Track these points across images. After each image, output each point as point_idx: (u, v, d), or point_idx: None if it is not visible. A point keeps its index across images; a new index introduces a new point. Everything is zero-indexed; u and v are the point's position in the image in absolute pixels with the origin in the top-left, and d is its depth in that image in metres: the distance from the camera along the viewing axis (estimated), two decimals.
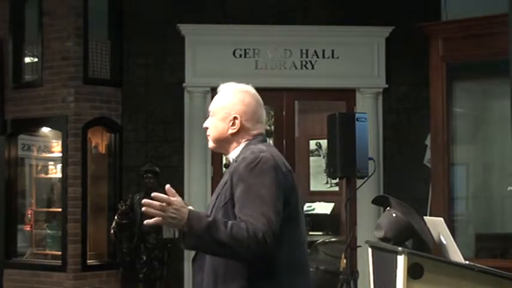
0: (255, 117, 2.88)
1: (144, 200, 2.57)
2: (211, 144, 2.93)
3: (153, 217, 2.59)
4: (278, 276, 2.70)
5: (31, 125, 8.05)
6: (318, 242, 8.62)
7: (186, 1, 7.76)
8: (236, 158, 2.82)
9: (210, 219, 2.60)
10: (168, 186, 2.62)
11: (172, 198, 2.58)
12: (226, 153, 2.92)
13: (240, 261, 2.64)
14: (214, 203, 2.79)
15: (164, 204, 2.56)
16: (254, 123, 2.87)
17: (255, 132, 2.87)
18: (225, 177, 2.80)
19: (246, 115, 2.85)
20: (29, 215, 8.17)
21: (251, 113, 2.87)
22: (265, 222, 2.58)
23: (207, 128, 2.92)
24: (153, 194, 2.57)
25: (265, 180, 2.66)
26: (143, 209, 2.59)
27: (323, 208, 10.35)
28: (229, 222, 2.59)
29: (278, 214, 2.64)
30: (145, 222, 2.63)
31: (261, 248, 2.57)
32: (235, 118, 2.84)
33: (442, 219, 3.59)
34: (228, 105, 2.86)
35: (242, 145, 2.86)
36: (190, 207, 2.64)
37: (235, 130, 2.85)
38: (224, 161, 7.88)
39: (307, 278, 2.83)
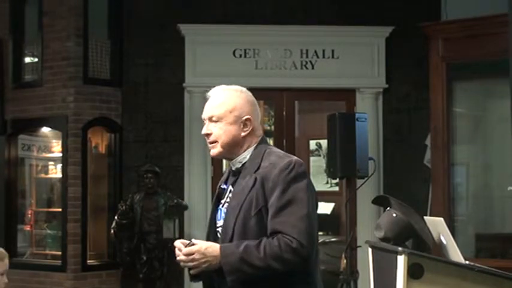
0: (258, 117, 2.86)
1: (178, 259, 2.68)
2: (218, 150, 2.80)
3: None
4: (310, 275, 2.74)
5: (31, 125, 8.04)
6: (318, 242, 8.64)
7: (186, 1, 7.76)
8: (251, 161, 2.76)
9: (242, 248, 2.61)
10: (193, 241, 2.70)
11: (188, 249, 2.64)
12: (233, 158, 2.82)
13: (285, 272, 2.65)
14: (239, 210, 2.70)
15: (190, 256, 2.64)
16: (258, 123, 2.86)
17: (259, 132, 2.85)
18: (245, 182, 2.73)
19: (253, 115, 2.82)
20: (29, 215, 8.17)
21: (256, 113, 2.84)
22: (301, 229, 2.62)
23: (207, 135, 2.82)
24: (175, 243, 2.70)
25: (300, 185, 2.67)
26: (181, 264, 2.68)
27: (323, 208, 10.34)
28: (262, 245, 2.61)
29: (314, 217, 2.69)
30: (191, 272, 2.70)
31: (299, 255, 2.61)
32: (247, 120, 2.79)
33: (442, 219, 3.59)
34: (236, 108, 2.78)
35: (251, 148, 2.81)
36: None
37: (248, 132, 2.79)
38: (225, 164, 7.90)
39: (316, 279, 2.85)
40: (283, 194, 2.64)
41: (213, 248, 2.65)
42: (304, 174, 2.70)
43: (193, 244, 2.66)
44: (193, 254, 2.64)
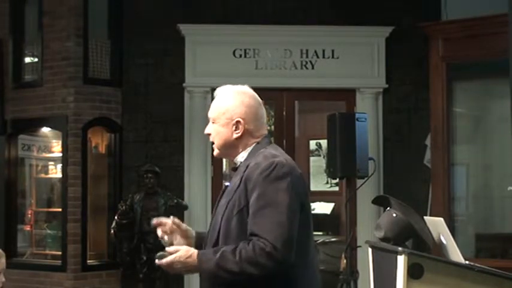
0: (257, 118, 2.83)
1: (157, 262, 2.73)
2: (216, 152, 2.87)
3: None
4: (293, 281, 2.69)
5: (31, 125, 8.04)
6: (318, 242, 8.63)
7: (186, 1, 7.76)
8: (246, 161, 2.78)
9: (218, 254, 2.62)
10: (172, 218, 2.83)
11: (170, 258, 2.67)
12: (233, 158, 2.86)
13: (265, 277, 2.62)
14: (225, 209, 2.74)
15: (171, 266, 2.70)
16: (257, 124, 2.83)
17: (259, 133, 2.84)
18: (235, 182, 2.76)
19: (248, 117, 2.80)
20: (29, 215, 8.17)
21: (253, 114, 2.82)
22: (277, 232, 2.58)
23: (208, 135, 2.88)
24: (157, 262, 2.71)
25: (280, 187, 2.64)
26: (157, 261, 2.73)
27: (323, 208, 10.36)
28: (238, 249, 2.60)
29: (293, 220, 2.63)
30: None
31: (273, 259, 2.57)
32: (238, 122, 2.79)
33: (442, 219, 3.59)
34: (228, 110, 2.80)
35: (250, 148, 2.82)
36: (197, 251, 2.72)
37: (239, 134, 2.80)
38: (225, 164, 7.90)
39: (316, 280, 2.82)
40: (262, 196, 2.63)
41: (192, 257, 2.67)
42: (285, 175, 2.66)
43: (166, 254, 2.70)
44: (173, 264, 2.68)
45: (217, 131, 2.83)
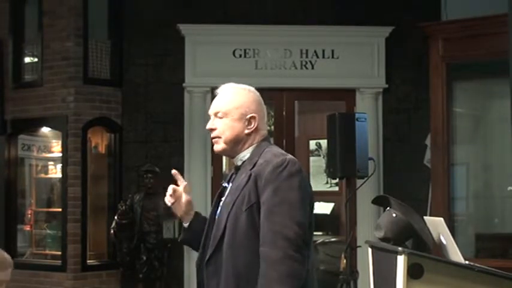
0: (263, 117, 2.88)
1: None
2: (222, 146, 2.85)
3: None
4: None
5: (31, 125, 8.04)
6: (318, 242, 8.63)
7: (186, 1, 7.76)
8: (250, 159, 2.80)
9: None
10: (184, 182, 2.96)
11: None
12: (234, 155, 2.87)
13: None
14: (232, 205, 2.74)
15: None
16: (262, 122, 2.87)
17: (263, 132, 2.87)
18: (240, 179, 2.77)
19: (258, 114, 2.85)
20: (29, 215, 8.17)
21: (261, 112, 2.87)
22: (296, 227, 2.61)
23: (211, 130, 2.87)
24: None
25: (293, 184, 2.67)
26: None
27: (323, 208, 10.35)
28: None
29: (306, 216, 2.67)
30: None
31: (298, 255, 2.60)
32: (251, 118, 2.82)
33: (442, 219, 3.59)
34: (242, 105, 2.82)
35: (253, 146, 2.84)
36: None
37: (251, 130, 2.82)
38: (225, 164, 7.90)
39: (313, 279, 2.83)
40: (277, 192, 2.65)
41: None
42: (297, 172, 2.70)
43: None
44: None
45: (229, 125, 2.82)
